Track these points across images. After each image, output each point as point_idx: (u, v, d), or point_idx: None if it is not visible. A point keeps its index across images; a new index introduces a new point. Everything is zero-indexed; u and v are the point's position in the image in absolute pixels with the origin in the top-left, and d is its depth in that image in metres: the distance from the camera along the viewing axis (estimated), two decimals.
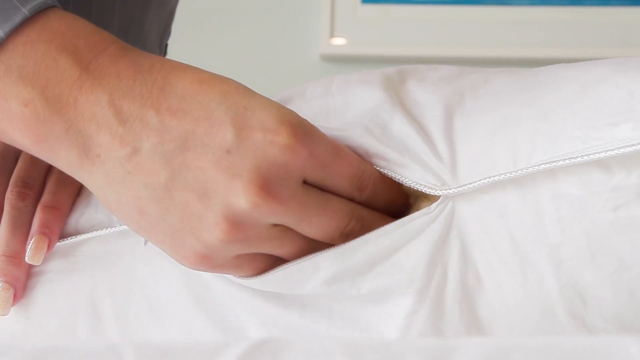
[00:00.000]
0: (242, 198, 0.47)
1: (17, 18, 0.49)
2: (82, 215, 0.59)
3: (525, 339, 0.33)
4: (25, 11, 0.49)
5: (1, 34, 0.48)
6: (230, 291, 0.55)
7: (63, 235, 0.59)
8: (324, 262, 0.51)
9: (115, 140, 0.48)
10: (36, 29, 0.49)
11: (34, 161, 0.60)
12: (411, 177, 0.51)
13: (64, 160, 0.50)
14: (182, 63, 0.51)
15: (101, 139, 0.48)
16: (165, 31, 0.85)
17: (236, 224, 0.48)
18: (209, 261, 0.50)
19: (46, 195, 0.59)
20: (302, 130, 0.48)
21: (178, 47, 0.92)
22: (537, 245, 0.49)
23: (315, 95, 0.56)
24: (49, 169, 0.61)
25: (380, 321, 0.52)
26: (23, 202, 0.58)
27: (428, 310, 0.51)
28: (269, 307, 0.54)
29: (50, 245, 0.57)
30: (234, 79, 0.51)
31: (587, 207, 0.48)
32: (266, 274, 0.52)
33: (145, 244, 0.56)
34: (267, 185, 0.47)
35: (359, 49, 1.63)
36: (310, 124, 0.49)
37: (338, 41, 1.63)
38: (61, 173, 0.60)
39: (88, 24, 0.51)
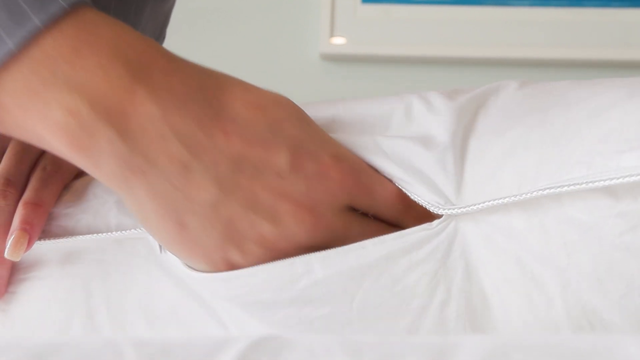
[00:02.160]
0: (289, 217, 0.49)
1: (53, 8, 0.46)
2: (78, 222, 0.58)
3: (525, 338, 0.33)
4: (63, 3, 0.47)
5: (38, 22, 0.46)
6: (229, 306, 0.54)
7: (57, 237, 0.58)
8: (317, 262, 0.50)
9: (164, 156, 0.48)
10: (83, 35, 0.47)
11: (18, 159, 0.60)
12: (416, 192, 0.51)
13: (104, 172, 0.49)
14: (231, 78, 0.51)
15: (150, 154, 0.48)
16: (160, 35, 0.84)
17: (278, 241, 0.50)
18: (235, 267, 0.51)
19: (28, 192, 0.58)
20: (349, 164, 0.51)
21: (177, 47, 0.92)
22: (543, 267, 0.48)
23: (321, 107, 0.56)
24: (33, 167, 0.60)
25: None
26: (5, 201, 0.58)
27: (429, 329, 0.50)
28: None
29: (30, 242, 0.57)
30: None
31: (593, 232, 0.47)
32: (258, 266, 0.51)
33: (161, 251, 0.55)
34: (314, 208, 0.50)
35: (359, 48, 1.63)
36: (357, 158, 0.51)
37: (338, 41, 1.63)
38: (44, 171, 0.59)
39: (129, 28, 0.50)
